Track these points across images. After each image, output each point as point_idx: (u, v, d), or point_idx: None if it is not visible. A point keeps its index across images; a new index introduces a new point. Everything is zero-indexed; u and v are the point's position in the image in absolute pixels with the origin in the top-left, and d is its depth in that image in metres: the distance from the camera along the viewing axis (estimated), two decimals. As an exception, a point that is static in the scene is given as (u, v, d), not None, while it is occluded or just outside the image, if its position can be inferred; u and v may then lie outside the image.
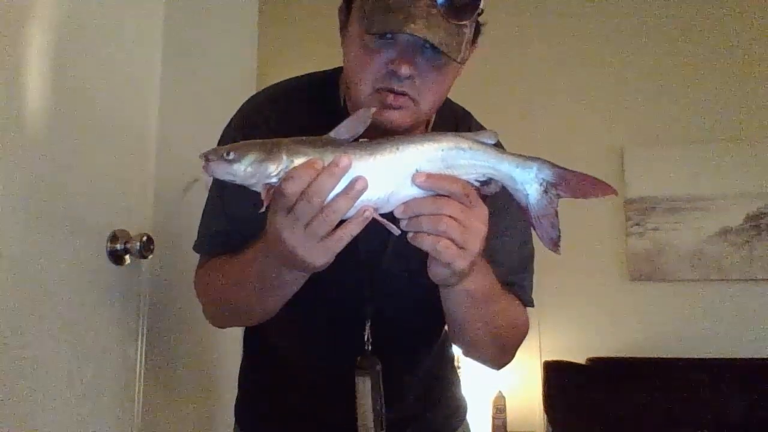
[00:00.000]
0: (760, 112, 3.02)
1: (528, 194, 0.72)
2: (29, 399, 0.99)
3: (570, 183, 0.71)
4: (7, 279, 0.95)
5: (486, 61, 2.95)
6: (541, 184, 0.71)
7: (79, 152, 1.10)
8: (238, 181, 0.67)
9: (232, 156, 0.65)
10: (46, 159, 1.03)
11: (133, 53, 1.23)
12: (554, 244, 0.73)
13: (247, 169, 0.65)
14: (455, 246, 0.68)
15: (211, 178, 0.69)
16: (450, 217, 0.67)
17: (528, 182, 0.71)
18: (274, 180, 0.66)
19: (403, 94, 0.78)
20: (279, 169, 0.65)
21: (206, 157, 0.66)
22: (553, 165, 0.71)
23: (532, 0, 3.34)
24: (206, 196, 0.98)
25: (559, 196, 0.72)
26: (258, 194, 0.67)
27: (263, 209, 0.67)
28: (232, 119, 0.96)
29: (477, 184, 0.71)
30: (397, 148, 0.69)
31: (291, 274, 0.76)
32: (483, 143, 0.71)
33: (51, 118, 1.05)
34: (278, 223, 0.67)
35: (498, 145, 0.73)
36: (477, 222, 0.69)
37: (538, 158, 0.72)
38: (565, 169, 0.71)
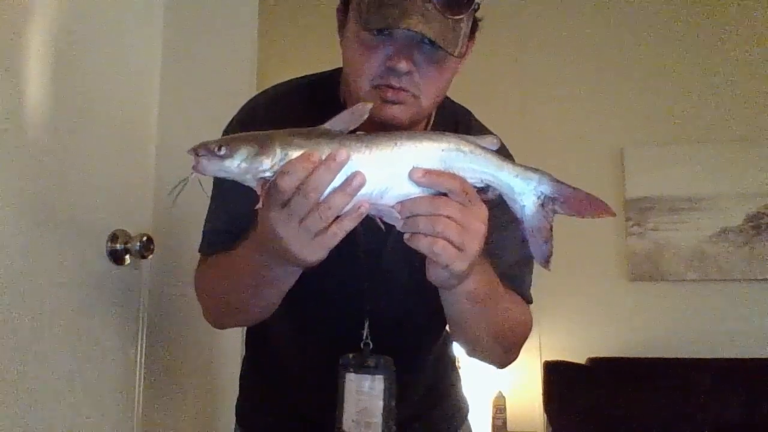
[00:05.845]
0: (760, 112, 3.03)
1: (524, 206, 0.70)
2: (30, 399, 0.98)
3: (568, 200, 0.70)
4: (7, 278, 0.95)
5: (486, 61, 2.95)
6: (539, 197, 0.69)
7: (79, 152, 1.10)
8: (231, 177, 0.65)
9: (223, 151, 0.63)
10: (46, 159, 1.03)
11: (133, 53, 1.23)
12: (545, 261, 0.71)
13: (240, 164, 0.63)
14: (453, 247, 0.67)
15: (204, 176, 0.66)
16: (448, 217, 0.66)
17: (526, 194, 0.69)
18: (268, 174, 0.64)
19: (403, 89, 0.77)
20: (273, 162, 0.63)
21: (196, 153, 0.64)
22: (554, 179, 0.70)
23: (532, 0, 3.34)
24: (198, 193, 0.97)
25: (555, 212, 0.70)
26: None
27: (260, 205, 0.66)
28: (232, 120, 0.96)
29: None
30: (396, 144, 0.67)
31: (284, 268, 0.75)
32: (484, 148, 0.69)
33: (51, 118, 1.05)
34: (272, 218, 0.65)
35: (501, 152, 0.71)
36: (476, 222, 0.68)
37: (540, 170, 0.70)
38: (566, 185, 0.70)
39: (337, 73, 0.93)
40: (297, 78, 1.00)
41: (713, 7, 3.14)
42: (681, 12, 3.17)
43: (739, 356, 2.77)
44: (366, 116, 0.68)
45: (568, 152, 3.11)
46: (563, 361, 2.88)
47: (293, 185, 0.63)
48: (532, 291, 0.98)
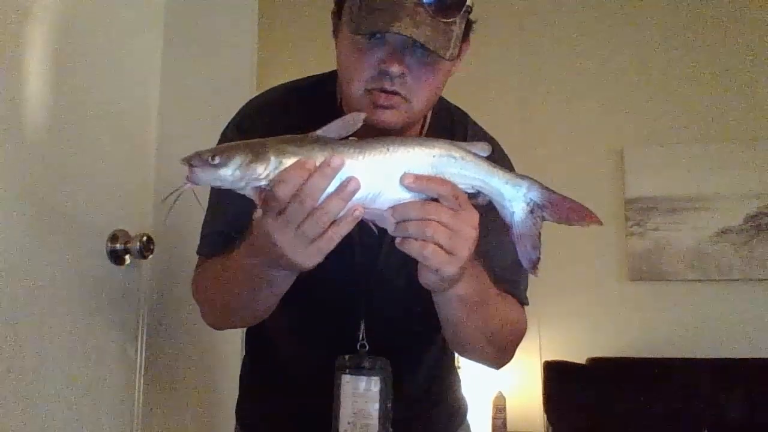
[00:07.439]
0: (760, 112, 3.02)
1: (514, 212, 0.71)
2: (30, 399, 0.99)
3: (556, 207, 0.71)
4: (7, 279, 0.95)
5: (486, 62, 2.96)
6: (528, 204, 0.71)
7: (79, 153, 1.10)
8: (226, 186, 0.65)
9: (217, 160, 0.63)
10: (46, 159, 1.03)
11: (133, 53, 1.24)
12: (533, 266, 0.72)
13: (235, 173, 0.63)
14: (443, 251, 0.67)
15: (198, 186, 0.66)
16: (438, 222, 0.67)
17: (515, 200, 0.70)
18: (263, 182, 0.64)
19: (395, 93, 0.78)
20: (267, 170, 0.64)
21: (189, 163, 0.63)
22: (543, 186, 0.71)
23: (532, 1, 3.34)
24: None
25: (544, 219, 0.71)
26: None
27: (258, 214, 0.66)
28: (229, 123, 0.96)
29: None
30: (388, 149, 0.67)
31: (279, 272, 0.75)
32: (475, 154, 0.70)
33: (51, 118, 1.05)
34: (269, 225, 0.66)
35: (495, 157, 0.72)
36: (466, 227, 0.68)
37: (529, 177, 0.71)
38: (555, 192, 0.71)
39: (335, 74, 0.93)
40: (294, 81, 1.00)
41: (714, 8, 3.14)
42: (681, 12, 3.17)
43: (739, 356, 2.77)
44: (359, 126, 0.69)
45: (568, 152, 3.11)
46: (563, 361, 2.88)
47: (290, 193, 0.63)
48: (531, 291, 0.98)
